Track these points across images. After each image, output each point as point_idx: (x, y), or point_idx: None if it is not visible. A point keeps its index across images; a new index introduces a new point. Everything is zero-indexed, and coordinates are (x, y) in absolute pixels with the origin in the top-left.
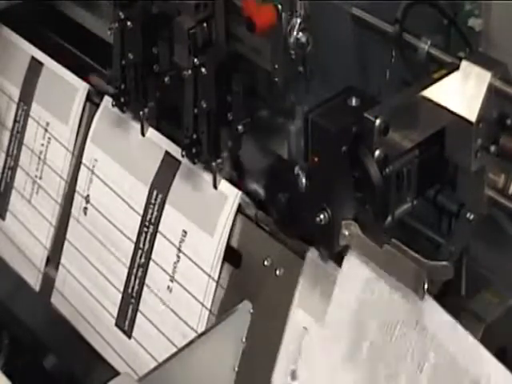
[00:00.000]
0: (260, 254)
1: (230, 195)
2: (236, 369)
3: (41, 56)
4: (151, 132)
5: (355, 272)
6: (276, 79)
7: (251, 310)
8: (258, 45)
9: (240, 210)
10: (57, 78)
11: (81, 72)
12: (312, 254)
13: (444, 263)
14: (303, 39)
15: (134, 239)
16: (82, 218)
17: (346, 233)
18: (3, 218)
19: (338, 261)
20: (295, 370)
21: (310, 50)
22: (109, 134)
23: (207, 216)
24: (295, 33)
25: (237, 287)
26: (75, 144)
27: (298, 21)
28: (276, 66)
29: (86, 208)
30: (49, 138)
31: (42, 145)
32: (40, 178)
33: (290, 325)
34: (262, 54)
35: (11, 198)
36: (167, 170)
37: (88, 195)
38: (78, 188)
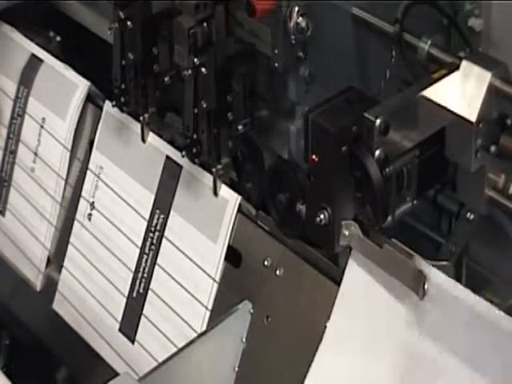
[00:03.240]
0: (260, 253)
1: (231, 200)
2: (236, 369)
3: (41, 53)
4: (153, 137)
5: (358, 274)
6: (276, 64)
7: (251, 310)
8: (258, 30)
9: (240, 209)
10: (56, 75)
11: (82, 72)
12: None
13: (444, 263)
14: (303, 24)
15: (140, 244)
16: (86, 223)
17: (346, 233)
18: (3, 215)
19: (334, 259)
20: None
21: (309, 34)
22: (113, 141)
23: (209, 221)
24: (295, 17)
25: (237, 287)
26: (79, 147)
27: (298, 6)
28: (276, 51)
29: (90, 214)
30: (45, 134)
31: (39, 140)
32: (37, 175)
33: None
34: (262, 38)
35: (10, 194)
36: (170, 176)
37: (93, 201)
38: (83, 193)
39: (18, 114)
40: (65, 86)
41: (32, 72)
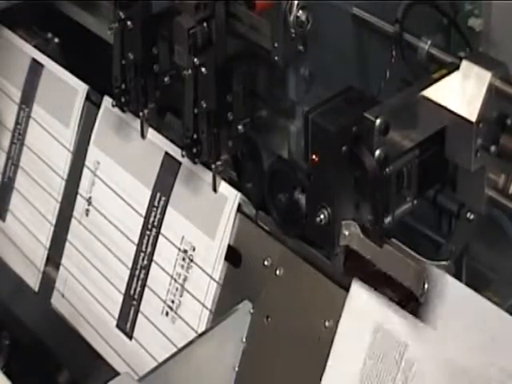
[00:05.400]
0: (260, 253)
1: (230, 196)
2: (236, 369)
3: (41, 57)
4: (152, 133)
5: (363, 305)
6: (276, 58)
7: (251, 310)
8: (258, 24)
9: (240, 209)
10: (57, 80)
11: (81, 72)
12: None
13: (444, 263)
14: (303, 17)
15: (136, 241)
16: (83, 220)
17: (346, 233)
18: (3, 219)
19: (334, 259)
20: None
21: (309, 28)
22: (111, 137)
23: (208, 218)
24: (295, 11)
25: (237, 287)
26: (75, 145)
27: None
28: (276, 45)
29: (87, 210)
30: (50, 140)
31: (44, 146)
32: (41, 179)
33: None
34: (262, 32)
35: (12, 198)
36: (168, 172)
37: (90, 197)
38: (80, 190)
39: (23, 120)
40: (66, 92)
41: (35, 78)
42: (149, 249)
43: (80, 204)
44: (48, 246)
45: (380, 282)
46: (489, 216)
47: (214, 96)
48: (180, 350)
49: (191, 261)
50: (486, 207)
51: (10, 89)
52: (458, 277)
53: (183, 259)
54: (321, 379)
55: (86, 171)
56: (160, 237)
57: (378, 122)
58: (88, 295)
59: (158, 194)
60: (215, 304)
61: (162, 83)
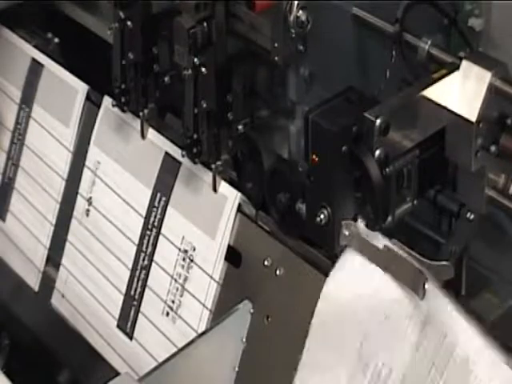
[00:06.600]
0: (260, 253)
1: (230, 196)
2: (236, 369)
3: (41, 57)
4: (152, 133)
5: (350, 268)
6: (276, 58)
7: (251, 310)
8: (258, 24)
9: (240, 209)
10: (57, 80)
11: (81, 72)
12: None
13: (444, 263)
14: (303, 17)
15: (137, 242)
16: (84, 220)
17: (346, 233)
18: (3, 219)
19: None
20: None
21: (309, 28)
22: (111, 137)
23: (208, 218)
24: (295, 11)
25: (237, 287)
26: (76, 144)
27: None
28: (276, 45)
29: (88, 210)
30: (50, 140)
31: (44, 146)
32: (41, 179)
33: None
34: (262, 32)
35: (12, 199)
36: (168, 172)
37: (91, 197)
38: (80, 190)
39: (23, 120)
40: (66, 92)
41: (35, 78)
42: (149, 249)
43: (80, 204)
44: (48, 245)
45: None
46: (489, 216)
47: (214, 96)
48: (180, 350)
49: (191, 261)
50: (486, 207)
51: (10, 89)
52: (458, 277)
53: (183, 259)
54: None
55: (86, 171)
56: (160, 237)
57: (378, 121)
58: (88, 295)
59: (158, 194)
60: (215, 304)
61: (162, 83)
